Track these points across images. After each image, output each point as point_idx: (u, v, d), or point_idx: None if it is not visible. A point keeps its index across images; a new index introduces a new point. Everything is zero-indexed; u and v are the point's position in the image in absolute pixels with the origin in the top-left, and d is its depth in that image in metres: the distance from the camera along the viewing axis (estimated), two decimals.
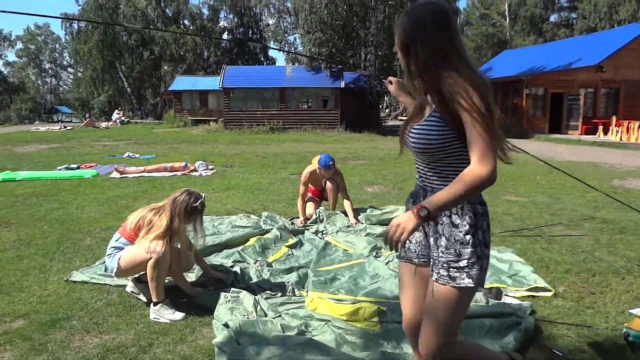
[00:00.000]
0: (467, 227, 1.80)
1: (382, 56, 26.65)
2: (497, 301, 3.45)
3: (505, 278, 3.84)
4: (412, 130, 1.86)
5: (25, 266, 4.30)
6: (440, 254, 1.84)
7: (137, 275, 3.58)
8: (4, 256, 4.59)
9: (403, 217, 1.69)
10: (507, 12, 49.93)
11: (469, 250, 1.80)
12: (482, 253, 1.83)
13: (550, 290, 3.65)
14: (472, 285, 1.81)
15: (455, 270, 1.81)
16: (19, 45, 74.35)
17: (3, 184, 8.53)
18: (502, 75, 27.81)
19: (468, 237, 1.80)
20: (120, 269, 3.41)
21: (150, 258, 3.26)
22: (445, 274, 1.82)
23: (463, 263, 1.80)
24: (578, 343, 2.92)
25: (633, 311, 3.32)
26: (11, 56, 78.97)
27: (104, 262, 4.11)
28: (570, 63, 24.89)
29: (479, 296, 3.47)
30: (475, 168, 1.66)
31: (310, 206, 5.84)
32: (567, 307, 3.41)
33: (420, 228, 1.96)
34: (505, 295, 3.59)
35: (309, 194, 5.99)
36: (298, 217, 5.66)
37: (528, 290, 3.65)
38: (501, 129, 1.72)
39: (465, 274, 1.80)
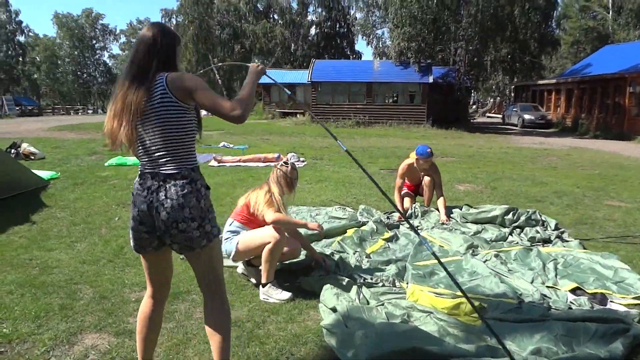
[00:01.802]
0: None
1: (472, 50, 25.94)
2: (602, 307, 3.40)
3: (610, 284, 3.75)
4: None
5: None
6: None
7: (247, 259, 3.87)
8: (126, 232, 5.09)
9: None
10: (610, 4, 46.64)
11: None
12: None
13: None
14: None
15: None
16: (122, 38, 79.59)
17: (117, 167, 9.35)
18: (602, 72, 26.16)
19: None
20: (238, 252, 3.71)
21: (269, 242, 3.53)
22: None
23: None
24: None
25: None
26: (115, 49, 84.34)
27: None
28: None
29: (583, 300, 3.44)
30: None
31: (406, 201, 5.94)
32: None
33: None
34: (611, 302, 3.52)
35: (405, 189, 6.08)
36: (394, 212, 5.78)
37: (635, 298, 3.55)
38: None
39: None
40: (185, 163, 2.17)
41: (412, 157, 5.82)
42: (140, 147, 2.18)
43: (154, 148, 2.15)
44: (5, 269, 4.05)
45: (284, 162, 3.88)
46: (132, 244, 2.32)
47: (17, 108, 39.62)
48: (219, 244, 2.33)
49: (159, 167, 2.16)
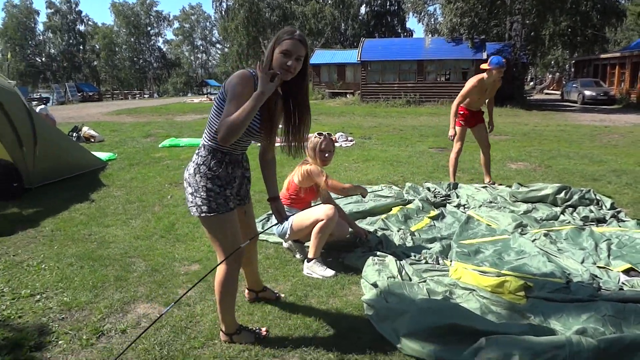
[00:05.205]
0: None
1: (529, 25, 24.86)
2: None
3: None
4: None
5: (195, 220, 4.90)
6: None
7: None
8: (177, 210, 5.30)
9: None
10: None
11: None
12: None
13: None
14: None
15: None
16: (176, 24, 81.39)
17: (170, 149, 9.66)
18: None
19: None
20: (293, 232, 3.78)
21: (322, 220, 3.58)
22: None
23: None
24: None
25: None
26: (169, 34, 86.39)
27: (261, 220, 4.61)
28: None
29: (636, 281, 3.30)
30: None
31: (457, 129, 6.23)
32: None
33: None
34: None
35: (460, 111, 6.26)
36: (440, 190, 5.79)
37: None
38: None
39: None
40: (205, 140, 2.47)
41: (480, 76, 6.04)
42: None
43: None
44: (67, 243, 4.31)
45: (318, 134, 3.89)
46: None
47: (79, 94, 41.54)
48: (214, 223, 2.46)
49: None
